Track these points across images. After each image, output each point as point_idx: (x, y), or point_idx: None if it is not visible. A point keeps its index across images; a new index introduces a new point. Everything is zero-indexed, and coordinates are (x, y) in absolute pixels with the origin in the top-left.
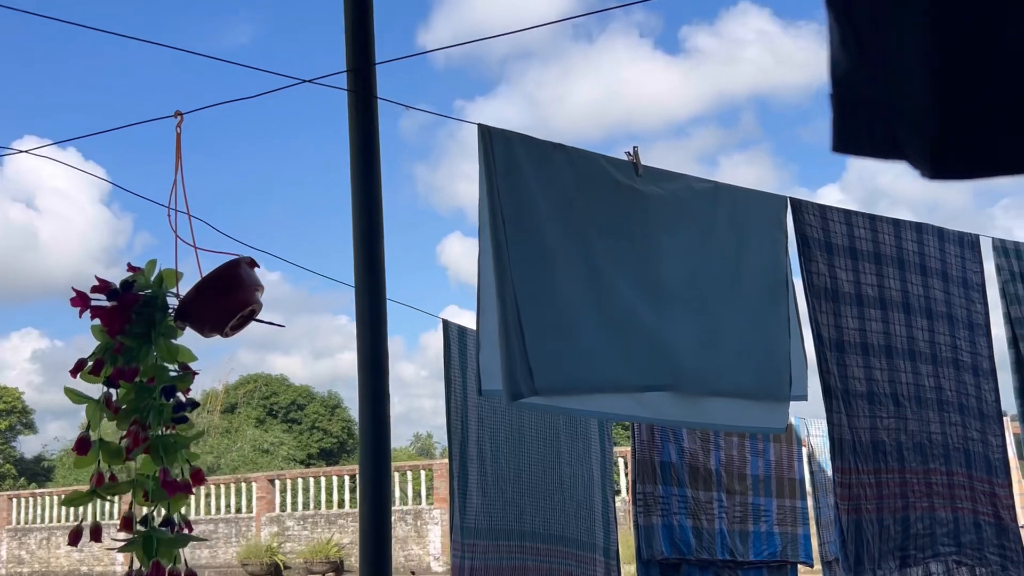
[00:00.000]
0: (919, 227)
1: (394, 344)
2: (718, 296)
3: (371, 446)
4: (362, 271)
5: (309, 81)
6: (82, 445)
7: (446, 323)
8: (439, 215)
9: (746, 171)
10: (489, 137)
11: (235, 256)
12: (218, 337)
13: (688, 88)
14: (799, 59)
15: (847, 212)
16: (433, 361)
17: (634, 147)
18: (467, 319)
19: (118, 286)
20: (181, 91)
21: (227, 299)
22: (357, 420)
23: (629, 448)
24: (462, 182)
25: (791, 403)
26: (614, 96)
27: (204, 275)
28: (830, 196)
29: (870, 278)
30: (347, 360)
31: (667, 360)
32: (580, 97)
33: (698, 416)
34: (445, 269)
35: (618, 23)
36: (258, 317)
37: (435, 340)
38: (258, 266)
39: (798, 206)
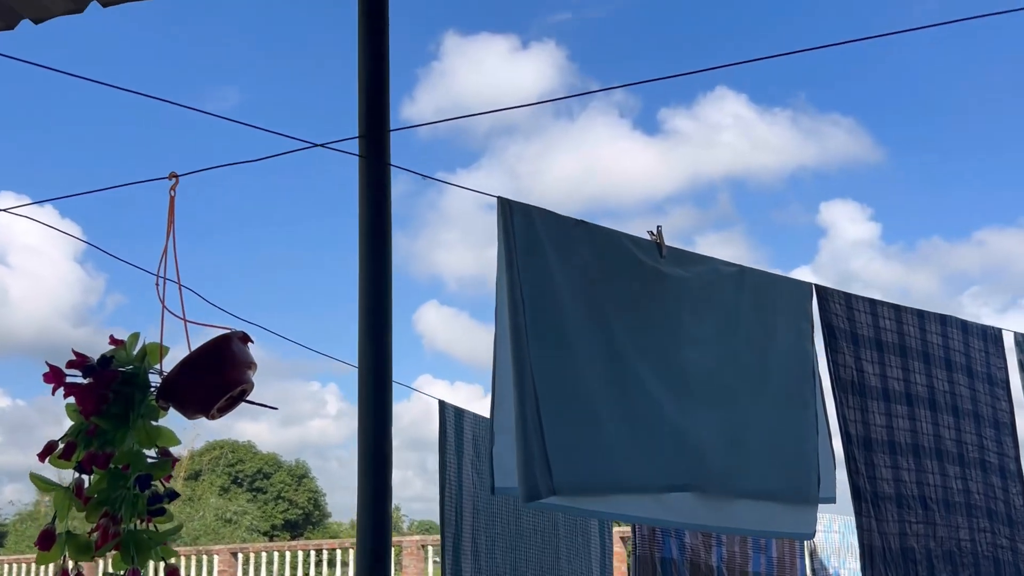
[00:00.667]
0: (943, 319)
1: None
2: (744, 388)
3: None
4: (367, 352)
5: (321, 145)
6: (45, 539)
7: (443, 404)
8: (416, 283)
9: (721, 251)
10: (509, 211)
11: (227, 330)
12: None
13: (665, 168)
14: (775, 144)
15: (872, 302)
16: (405, 429)
17: (658, 227)
18: (441, 388)
19: (96, 361)
20: (162, 151)
21: (215, 378)
22: (326, 492)
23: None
24: (440, 250)
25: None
26: (592, 172)
27: (191, 350)
28: (803, 278)
29: (896, 371)
30: (316, 427)
31: (691, 458)
32: (559, 172)
33: (724, 520)
34: (420, 337)
35: (599, 103)
36: (248, 398)
37: (407, 410)
38: (252, 341)
39: (823, 294)
